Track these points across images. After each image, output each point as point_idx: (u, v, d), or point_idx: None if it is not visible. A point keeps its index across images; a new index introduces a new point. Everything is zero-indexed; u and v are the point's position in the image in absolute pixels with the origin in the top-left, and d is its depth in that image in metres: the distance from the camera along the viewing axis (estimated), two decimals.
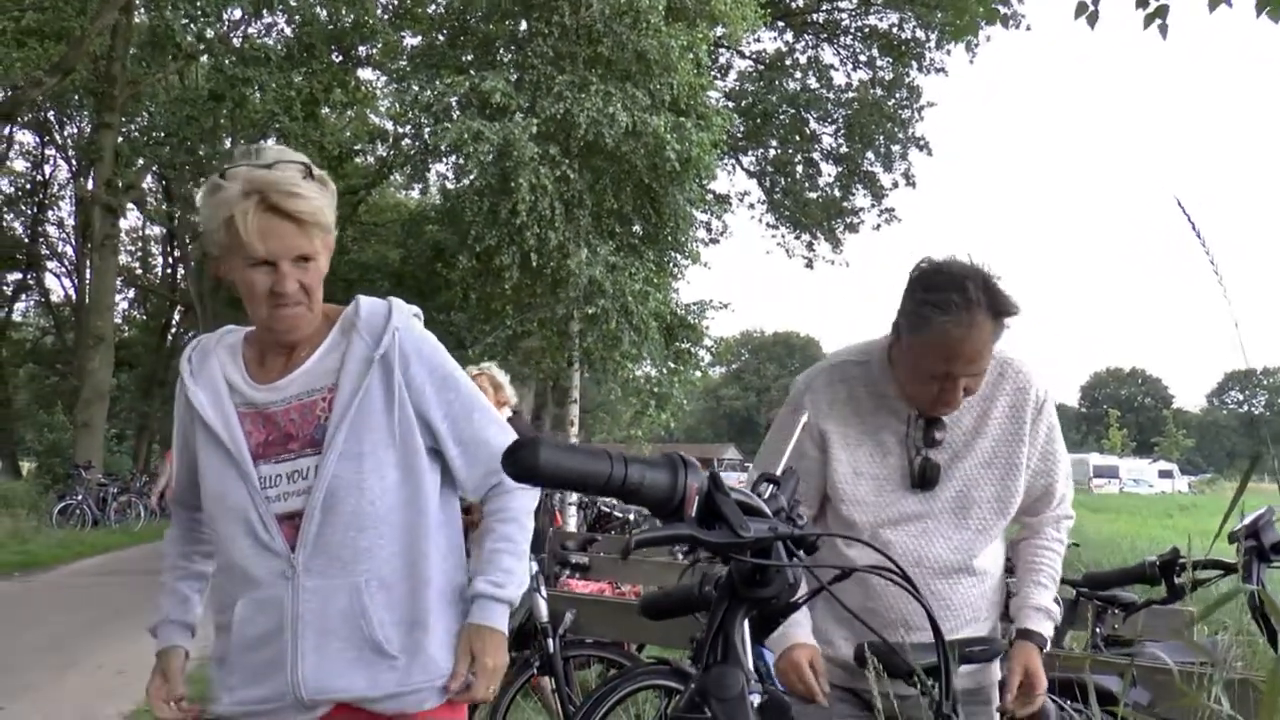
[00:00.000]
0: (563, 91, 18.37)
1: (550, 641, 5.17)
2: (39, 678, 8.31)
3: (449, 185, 22.34)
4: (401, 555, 2.19)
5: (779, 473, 1.64)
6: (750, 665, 1.52)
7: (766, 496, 1.51)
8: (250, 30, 29.73)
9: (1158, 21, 5.80)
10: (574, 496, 17.28)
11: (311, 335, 2.27)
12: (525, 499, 2.35)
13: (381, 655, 2.16)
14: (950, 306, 2.42)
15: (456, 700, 2.25)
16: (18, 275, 44.56)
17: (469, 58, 21.12)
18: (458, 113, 19.22)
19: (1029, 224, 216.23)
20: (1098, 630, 4.83)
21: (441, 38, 21.90)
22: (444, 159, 21.37)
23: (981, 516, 2.67)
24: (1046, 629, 2.66)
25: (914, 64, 29.84)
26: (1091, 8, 6.17)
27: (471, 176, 18.95)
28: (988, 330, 2.46)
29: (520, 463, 1.33)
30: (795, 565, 1.44)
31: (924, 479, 2.64)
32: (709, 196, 26.15)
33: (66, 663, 9.07)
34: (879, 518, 2.65)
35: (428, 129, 19.90)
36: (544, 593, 5.25)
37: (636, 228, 20.45)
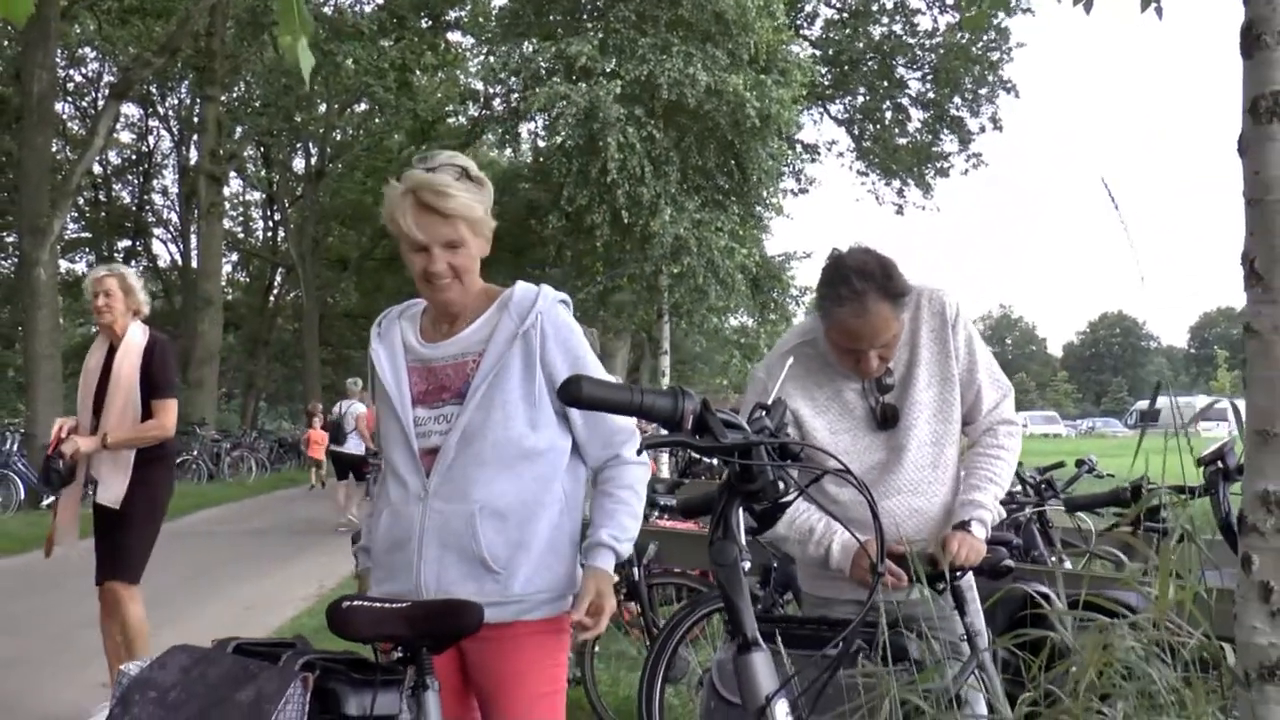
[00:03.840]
0: (645, 54, 18.76)
1: (635, 570, 5.60)
2: (176, 613, 8.96)
3: (540, 144, 22.82)
4: (517, 493, 2.59)
5: (769, 403, 2.12)
6: (743, 542, 1.97)
7: (755, 418, 1.97)
8: (342, 0, 30.38)
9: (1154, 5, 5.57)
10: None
11: (475, 307, 2.70)
12: (640, 471, 2.77)
13: (487, 570, 2.56)
14: (842, 300, 2.86)
15: (579, 630, 2.62)
16: (127, 242, 45.88)
17: (556, 17, 21.48)
18: (545, 77, 19.65)
19: (1127, 161, 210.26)
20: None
21: (528, 2, 22.25)
22: (533, 120, 21.80)
23: (934, 430, 3.08)
24: (976, 516, 2.98)
25: (1001, 6, 29.33)
26: None
27: (560, 138, 19.46)
28: (882, 312, 2.86)
29: (569, 392, 1.85)
30: (767, 465, 1.88)
31: (885, 420, 3.07)
32: (797, 147, 26.30)
33: (198, 599, 9.80)
34: (862, 462, 3.06)
35: (515, 93, 20.39)
36: None
37: (722, 183, 20.79)
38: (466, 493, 2.57)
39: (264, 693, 2.48)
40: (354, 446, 15.76)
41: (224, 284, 44.33)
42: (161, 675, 2.65)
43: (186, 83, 35.91)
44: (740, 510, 1.95)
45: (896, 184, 32.94)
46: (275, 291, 48.67)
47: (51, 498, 5.78)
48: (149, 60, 21.86)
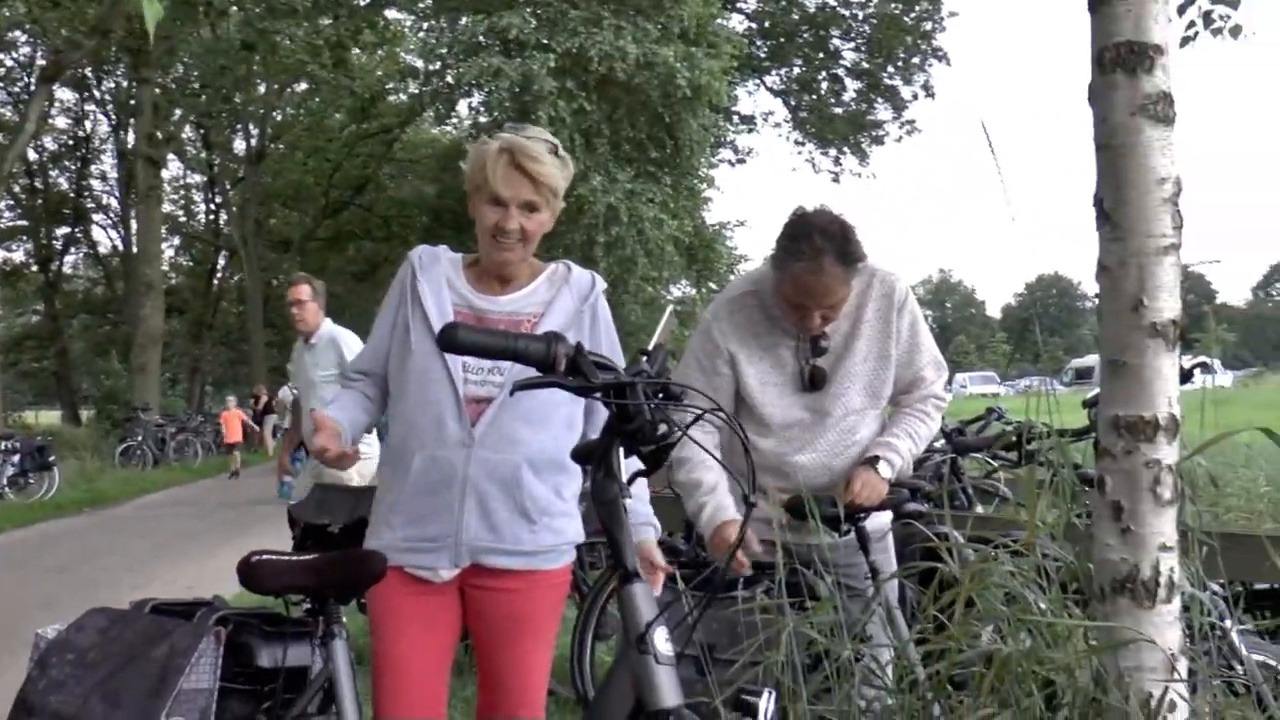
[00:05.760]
0: (577, 27, 18.91)
1: None
2: (118, 594, 8.91)
3: (481, 120, 22.91)
4: (555, 450, 2.66)
5: (650, 349, 2.24)
6: (624, 480, 2.01)
7: (634, 362, 2.05)
8: None
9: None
10: None
11: (522, 274, 2.78)
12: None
13: (527, 519, 2.66)
14: (800, 255, 2.95)
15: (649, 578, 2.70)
16: (66, 229, 45.35)
17: None
18: (480, 51, 19.73)
19: (1057, 128, 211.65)
20: None
21: None
22: (469, 96, 21.85)
23: (861, 403, 3.21)
24: (886, 456, 3.16)
25: None
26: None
27: (495, 113, 19.56)
28: (836, 274, 2.96)
29: (447, 338, 1.96)
30: (641, 404, 1.92)
31: (813, 382, 3.18)
32: (734, 118, 26.49)
33: (142, 581, 9.84)
34: (785, 416, 3.20)
35: (450, 69, 20.47)
36: None
37: (654, 154, 20.94)
38: (513, 445, 2.65)
39: (177, 648, 2.66)
40: None
41: (166, 268, 43.92)
42: (79, 637, 2.82)
43: (123, 66, 35.51)
44: (620, 450, 2.01)
45: (833, 152, 33.35)
46: (219, 275, 48.29)
47: None
48: (79, 42, 21.71)
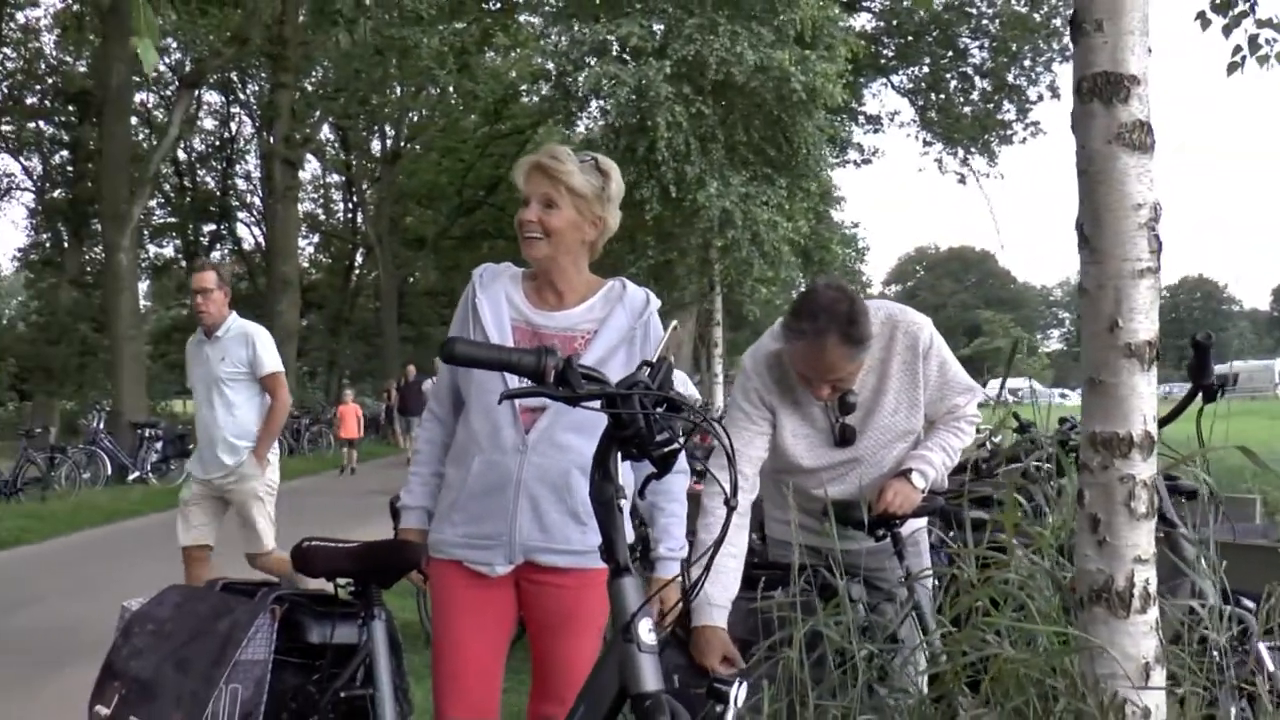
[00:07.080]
0: (692, 34, 19.03)
1: None
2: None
3: (607, 123, 23.17)
4: None
5: (654, 360, 2.28)
6: (620, 482, 2.12)
7: (634, 373, 2.13)
8: None
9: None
10: None
11: (581, 289, 2.94)
12: (683, 480, 3.00)
13: (576, 520, 2.79)
14: (802, 333, 3.01)
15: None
16: (212, 226, 46.87)
17: None
18: (595, 59, 20.10)
19: (1211, 122, 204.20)
20: None
21: None
22: (602, 100, 22.16)
23: (891, 448, 3.34)
24: (919, 468, 3.27)
25: None
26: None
27: (611, 118, 19.87)
28: (840, 353, 3.01)
29: (446, 351, 2.09)
30: (635, 413, 2.04)
31: (844, 439, 3.30)
32: (860, 119, 26.32)
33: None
34: (816, 464, 3.33)
35: (569, 76, 20.80)
36: None
37: (771, 154, 21.02)
38: (564, 451, 2.79)
39: (238, 623, 2.95)
40: None
41: (307, 265, 45.00)
42: (159, 610, 3.16)
43: (263, 70, 36.65)
44: (618, 455, 2.13)
45: (960, 152, 32.61)
46: (356, 271, 49.48)
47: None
48: (219, 50, 22.56)
